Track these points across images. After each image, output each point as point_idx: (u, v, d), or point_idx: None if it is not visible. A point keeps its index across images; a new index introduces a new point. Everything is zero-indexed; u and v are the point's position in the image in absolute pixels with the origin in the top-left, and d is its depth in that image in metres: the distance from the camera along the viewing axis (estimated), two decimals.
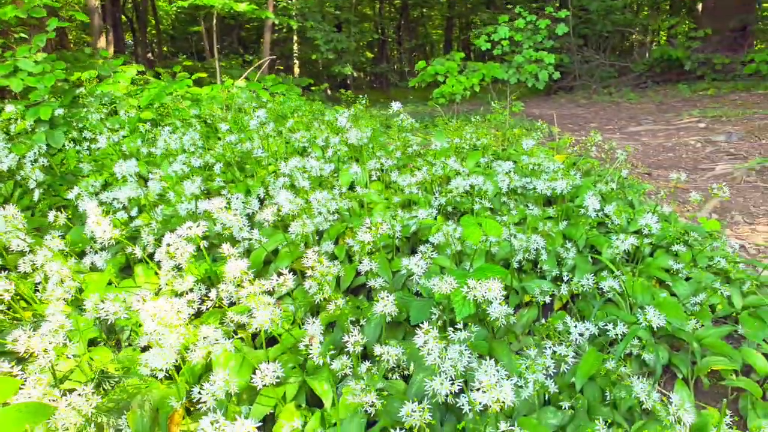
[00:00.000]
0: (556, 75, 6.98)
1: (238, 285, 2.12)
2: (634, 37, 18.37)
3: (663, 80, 14.62)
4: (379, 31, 22.55)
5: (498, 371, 1.59)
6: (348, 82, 14.20)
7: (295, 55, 15.15)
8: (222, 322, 2.38)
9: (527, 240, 2.81)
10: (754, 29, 15.07)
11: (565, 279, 2.79)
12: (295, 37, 14.22)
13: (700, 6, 22.04)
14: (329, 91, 11.80)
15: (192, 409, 2.03)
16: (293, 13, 9.84)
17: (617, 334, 2.21)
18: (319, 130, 4.46)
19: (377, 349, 2.00)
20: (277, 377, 1.80)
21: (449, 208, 3.54)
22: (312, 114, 5.52)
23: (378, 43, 22.00)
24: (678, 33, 15.13)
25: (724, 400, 1.99)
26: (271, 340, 2.45)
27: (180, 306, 1.80)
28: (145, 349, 2.21)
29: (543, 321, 2.62)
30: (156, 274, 2.66)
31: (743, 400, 2.27)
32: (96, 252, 2.95)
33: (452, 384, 1.68)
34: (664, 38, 19.53)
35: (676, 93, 12.07)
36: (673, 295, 2.74)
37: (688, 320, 2.40)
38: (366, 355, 2.28)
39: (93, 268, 2.91)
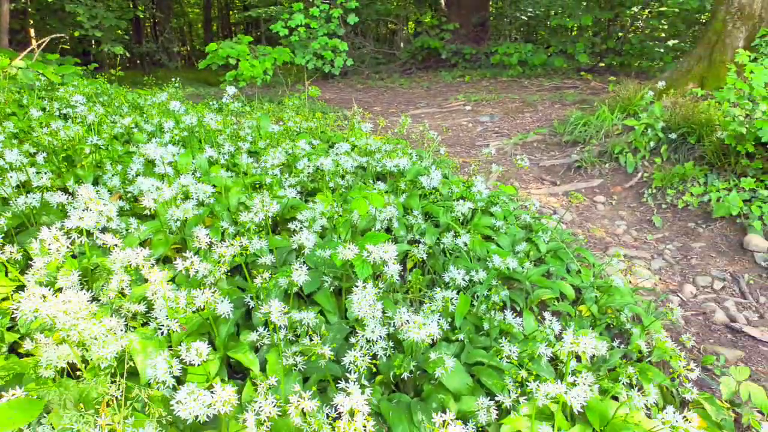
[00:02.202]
0: (350, 62, 7.47)
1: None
2: (392, 26, 20.15)
3: (425, 67, 16.37)
4: (131, 6, 20.75)
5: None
6: (117, 62, 12.93)
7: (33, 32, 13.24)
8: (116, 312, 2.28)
9: (384, 211, 3.18)
10: (492, 24, 17.73)
11: (421, 241, 3.23)
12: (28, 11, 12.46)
13: (443, 1, 24.97)
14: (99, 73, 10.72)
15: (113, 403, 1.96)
16: None
17: (480, 279, 2.71)
18: (150, 115, 4.22)
19: (297, 315, 2.19)
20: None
21: (298, 188, 3.73)
22: (124, 99, 5.11)
23: (133, 21, 20.25)
24: (433, 25, 16.98)
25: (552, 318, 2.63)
26: None
27: (83, 298, 1.76)
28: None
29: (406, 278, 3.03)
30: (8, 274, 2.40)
31: (562, 320, 2.99)
32: None
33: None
34: (413, 29, 21.79)
35: (439, 79, 13.67)
36: (498, 246, 3.39)
37: (521, 264, 3.04)
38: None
39: None
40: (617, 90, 6.40)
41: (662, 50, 12.38)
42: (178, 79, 5.09)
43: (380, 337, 2.04)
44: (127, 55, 10.43)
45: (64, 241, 2.16)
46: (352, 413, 1.48)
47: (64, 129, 3.41)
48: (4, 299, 2.36)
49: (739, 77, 5.34)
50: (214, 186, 3.48)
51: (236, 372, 2.37)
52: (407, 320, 1.96)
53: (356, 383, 1.58)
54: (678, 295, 3.68)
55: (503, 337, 2.55)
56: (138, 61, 18.53)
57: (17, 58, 4.88)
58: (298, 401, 1.56)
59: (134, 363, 2.02)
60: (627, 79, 11.78)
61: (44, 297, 1.71)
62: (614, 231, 4.62)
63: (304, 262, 2.84)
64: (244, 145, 3.79)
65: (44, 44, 5.47)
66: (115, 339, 1.91)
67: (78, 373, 1.99)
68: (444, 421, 1.54)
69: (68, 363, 1.94)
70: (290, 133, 4.63)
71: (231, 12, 40.12)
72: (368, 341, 2.07)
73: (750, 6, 5.72)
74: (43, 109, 4.08)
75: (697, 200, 4.60)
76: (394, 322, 2.15)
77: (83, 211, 2.22)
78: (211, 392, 1.56)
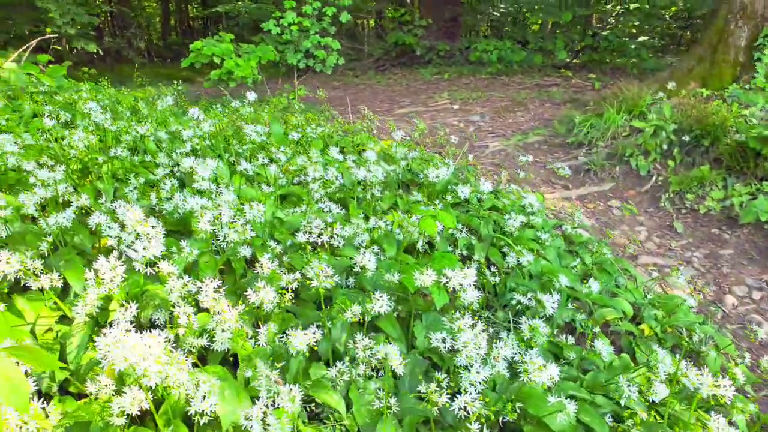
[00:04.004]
0: (341, 60, 7.19)
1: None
2: (360, 21, 19.83)
3: (399, 63, 16.14)
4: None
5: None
6: (91, 59, 12.20)
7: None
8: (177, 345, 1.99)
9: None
10: (464, 21, 17.63)
11: (475, 258, 3.02)
12: None
13: None
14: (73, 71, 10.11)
15: None
16: None
17: (553, 304, 2.52)
18: (165, 121, 3.87)
19: (379, 348, 1.94)
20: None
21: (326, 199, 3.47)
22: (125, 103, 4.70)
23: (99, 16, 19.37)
24: (405, 21, 16.76)
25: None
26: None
27: (159, 339, 1.49)
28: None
29: None
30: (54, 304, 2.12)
31: (624, 339, 2.83)
32: None
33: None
34: (373, 24, 21.57)
35: (417, 77, 13.46)
36: (546, 261, 3.21)
37: (578, 282, 2.87)
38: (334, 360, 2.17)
39: None
40: (618, 89, 6.32)
41: (633, 46, 12.51)
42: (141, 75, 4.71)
43: (484, 378, 1.81)
44: (101, 52, 9.84)
45: (120, 270, 1.90)
46: None
47: (77, 138, 3.06)
48: (47, 330, 2.06)
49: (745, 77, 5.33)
50: (240, 198, 3.20)
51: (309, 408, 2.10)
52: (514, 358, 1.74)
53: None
54: (719, 306, 3.59)
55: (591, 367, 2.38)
56: (103, 58, 17.73)
57: (9, 59, 4.44)
58: None
59: None
60: (604, 75, 11.89)
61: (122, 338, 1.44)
62: (636, 237, 4.52)
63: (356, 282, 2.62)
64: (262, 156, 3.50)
65: (32, 47, 5.00)
66: (195, 382, 1.65)
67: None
68: None
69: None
70: (305, 139, 4.35)
71: (189, 6, 39.13)
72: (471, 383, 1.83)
73: (752, 5, 5.72)
74: (56, 117, 3.69)
75: (719, 205, 4.54)
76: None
77: (135, 238, 1.93)
78: None
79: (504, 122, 7.91)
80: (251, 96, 3.80)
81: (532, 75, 12.03)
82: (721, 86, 5.89)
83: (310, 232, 2.54)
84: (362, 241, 2.95)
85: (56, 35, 8.37)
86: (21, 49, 4.86)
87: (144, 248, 1.87)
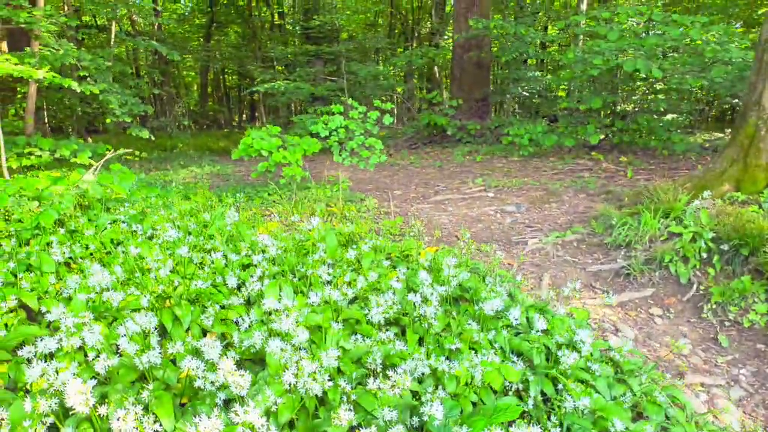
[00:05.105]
0: (384, 158, 7.57)
1: None
2: (398, 101, 20.68)
3: (430, 142, 16.70)
4: (146, 82, 21.26)
5: None
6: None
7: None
8: None
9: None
10: (493, 100, 18.26)
11: (531, 395, 3.16)
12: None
13: (439, 75, 25.81)
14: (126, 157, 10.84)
15: None
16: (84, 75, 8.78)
17: None
18: (237, 246, 4.19)
19: None
20: None
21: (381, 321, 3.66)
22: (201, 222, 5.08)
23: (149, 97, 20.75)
24: (437, 102, 17.45)
25: None
26: None
27: None
28: None
29: None
30: None
31: None
32: None
33: None
34: (421, 106, 22.46)
35: (448, 157, 13.90)
36: (598, 394, 3.33)
37: (629, 419, 2.98)
38: None
39: None
40: (654, 189, 6.51)
41: (661, 125, 12.74)
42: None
43: None
44: (152, 138, 10.50)
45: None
46: None
47: (164, 271, 3.37)
48: None
49: None
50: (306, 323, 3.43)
51: None
52: None
53: None
54: None
55: None
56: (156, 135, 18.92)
57: (89, 172, 4.87)
58: None
59: None
60: (635, 157, 12.10)
61: None
62: (680, 351, 4.58)
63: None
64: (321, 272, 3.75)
65: (108, 157, 5.48)
66: None
67: None
68: None
69: None
70: (359, 250, 4.60)
71: (226, 75, 41.47)
72: None
73: None
74: (129, 230, 4.05)
75: (763, 319, 4.60)
76: None
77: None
78: None
79: (540, 214, 8.13)
80: (315, 221, 4.09)
81: (563, 157, 12.34)
82: (756, 190, 6.04)
83: (375, 372, 2.73)
84: (422, 372, 3.13)
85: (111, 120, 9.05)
86: (99, 163, 5.32)
87: (245, 411, 2.07)
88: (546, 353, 3.64)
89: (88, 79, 8.81)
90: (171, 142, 19.06)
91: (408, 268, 4.67)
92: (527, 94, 17.80)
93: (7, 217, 4.42)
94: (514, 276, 5.12)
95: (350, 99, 7.26)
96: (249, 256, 4.33)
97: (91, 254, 4.26)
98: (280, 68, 27.74)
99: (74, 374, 2.57)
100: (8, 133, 9.37)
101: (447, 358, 3.31)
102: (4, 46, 9.09)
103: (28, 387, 2.74)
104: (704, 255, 5.35)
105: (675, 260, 5.47)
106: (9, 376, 2.98)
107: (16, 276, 3.65)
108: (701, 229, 5.45)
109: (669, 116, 13.98)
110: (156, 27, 23.61)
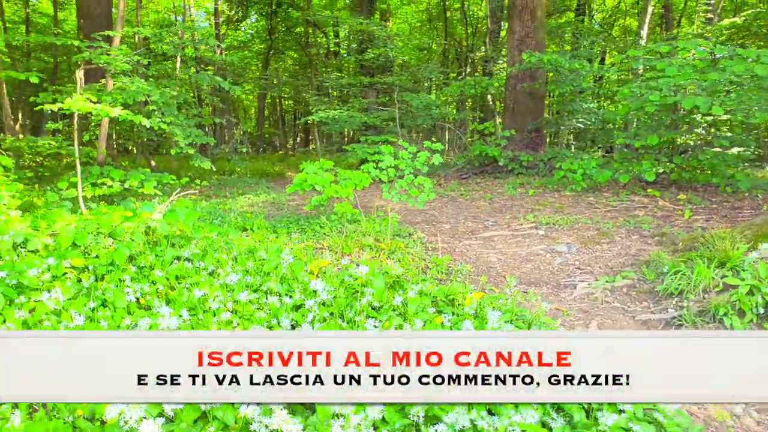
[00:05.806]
0: (432, 195, 7.72)
1: None
2: (451, 130, 20.89)
3: (480, 172, 16.74)
4: (205, 112, 22.36)
5: None
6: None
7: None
8: None
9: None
10: (548, 131, 18.18)
11: None
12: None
13: (493, 105, 25.86)
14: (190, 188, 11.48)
15: None
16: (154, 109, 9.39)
17: None
18: (290, 287, 4.44)
19: None
20: None
21: None
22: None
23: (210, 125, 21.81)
24: (489, 133, 17.52)
25: None
26: None
27: None
28: None
29: None
30: None
31: None
32: None
33: None
34: (474, 136, 22.59)
35: (499, 189, 13.90)
36: None
37: None
38: None
39: None
40: (710, 237, 6.38)
41: (725, 160, 12.32)
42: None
43: None
44: (214, 169, 11.03)
45: None
46: None
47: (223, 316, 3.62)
48: None
49: None
50: None
51: None
52: None
53: None
54: None
55: None
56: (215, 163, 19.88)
57: (157, 210, 5.23)
58: None
59: None
60: (695, 194, 11.76)
61: None
62: (732, 410, 4.47)
63: None
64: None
65: (173, 198, 5.89)
66: None
67: None
68: None
69: None
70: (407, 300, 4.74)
71: (282, 100, 42.92)
72: None
73: None
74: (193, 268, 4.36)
75: None
76: None
77: None
78: None
79: (591, 255, 8.05)
80: (363, 269, 4.27)
81: (618, 192, 12.12)
82: None
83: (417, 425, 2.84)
84: (463, 425, 3.22)
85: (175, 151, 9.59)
86: (165, 203, 5.70)
87: None
88: (588, 407, 3.66)
89: (156, 112, 9.37)
90: (230, 166, 19.89)
91: (453, 314, 4.77)
92: (582, 126, 17.62)
93: (86, 253, 4.80)
94: (560, 326, 5.13)
95: (401, 139, 7.51)
96: (302, 298, 4.54)
97: (157, 290, 4.57)
98: (335, 92, 28.52)
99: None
100: (83, 163, 10.04)
101: (489, 412, 3.39)
102: (82, 81, 9.81)
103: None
104: (761, 310, 5.21)
105: (730, 314, 5.34)
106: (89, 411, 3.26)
107: (93, 310, 3.97)
108: (759, 283, 5.31)
109: (734, 149, 13.45)
110: (219, 51, 24.68)
